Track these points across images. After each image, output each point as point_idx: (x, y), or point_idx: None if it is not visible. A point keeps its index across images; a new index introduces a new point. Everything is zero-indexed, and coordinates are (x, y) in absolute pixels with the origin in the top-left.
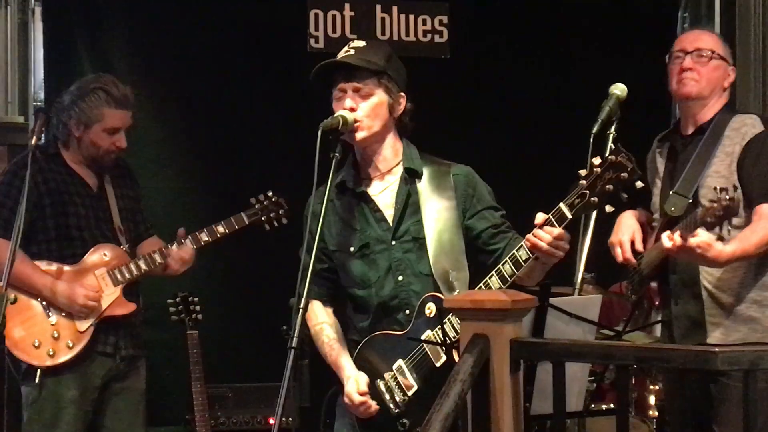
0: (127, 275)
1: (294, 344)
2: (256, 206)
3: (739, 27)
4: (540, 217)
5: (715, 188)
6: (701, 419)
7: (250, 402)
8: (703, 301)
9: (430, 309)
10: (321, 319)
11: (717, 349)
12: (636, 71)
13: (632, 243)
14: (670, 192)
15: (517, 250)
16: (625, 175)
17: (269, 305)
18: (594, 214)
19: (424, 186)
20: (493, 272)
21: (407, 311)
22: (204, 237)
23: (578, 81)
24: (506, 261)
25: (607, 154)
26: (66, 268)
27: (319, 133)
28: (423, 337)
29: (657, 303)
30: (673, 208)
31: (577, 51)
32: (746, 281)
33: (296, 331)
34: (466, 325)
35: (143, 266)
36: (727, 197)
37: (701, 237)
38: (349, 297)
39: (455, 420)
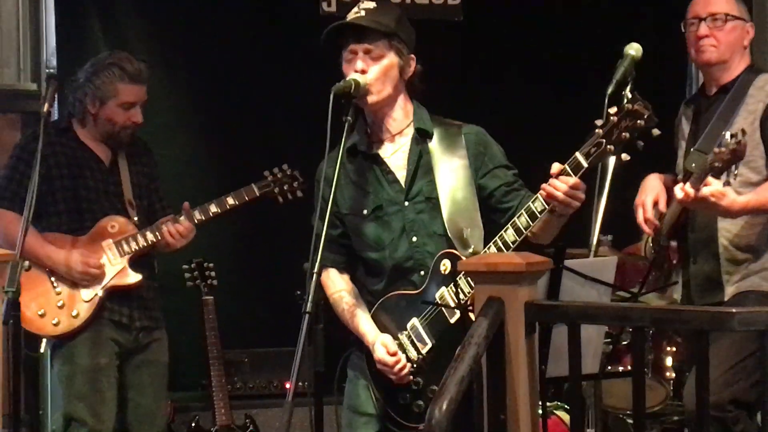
0: (134, 246)
1: (308, 309)
2: (269, 178)
3: None
4: (556, 166)
5: (724, 134)
6: None
7: (266, 367)
8: (720, 260)
9: (445, 266)
10: (339, 287)
11: (734, 310)
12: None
13: (656, 204)
14: (692, 150)
15: (532, 202)
16: (641, 122)
17: (284, 270)
18: (609, 176)
19: (435, 146)
20: (509, 225)
21: (422, 272)
22: (213, 209)
23: (594, 44)
24: (522, 213)
25: (624, 102)
26: (76, 239)
27: (331, 97)
28: (437, 294)
29: (675, 262)
30: (693, 165)
31: (592, 14)
32: (763, 239)
33: (310, 296)
34: (480, 288)
35: (150, 237)
36: (735, 141)
37: (713, 186)
38: (362, 260)
39: (470, 383)
